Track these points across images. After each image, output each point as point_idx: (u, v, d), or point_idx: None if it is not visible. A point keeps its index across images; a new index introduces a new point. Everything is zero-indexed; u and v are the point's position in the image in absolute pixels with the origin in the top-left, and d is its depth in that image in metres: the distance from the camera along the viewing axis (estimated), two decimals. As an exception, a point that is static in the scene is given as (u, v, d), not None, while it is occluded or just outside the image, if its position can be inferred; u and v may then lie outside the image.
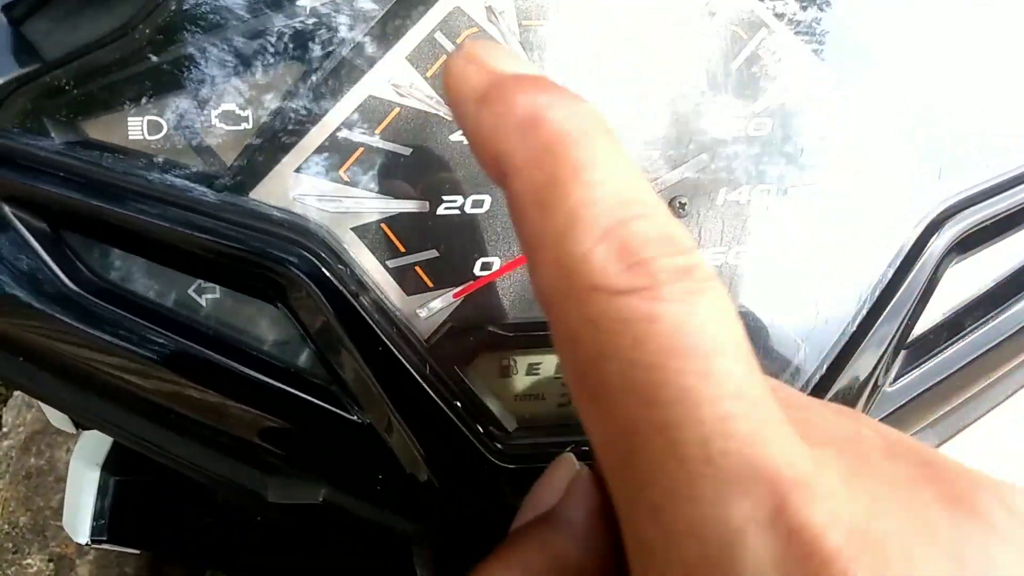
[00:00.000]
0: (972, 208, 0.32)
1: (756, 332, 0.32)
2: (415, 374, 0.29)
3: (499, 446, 0.31)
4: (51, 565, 1.19)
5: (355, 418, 0.30)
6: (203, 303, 0.30)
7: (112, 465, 0.56)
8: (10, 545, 1.14)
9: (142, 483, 0.57)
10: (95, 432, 0.54)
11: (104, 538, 0.57)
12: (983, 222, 0.32)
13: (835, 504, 0.16)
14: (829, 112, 0.32)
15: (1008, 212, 0.33)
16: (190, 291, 0.30)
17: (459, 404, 0.30)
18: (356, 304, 0.29)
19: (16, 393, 1.18)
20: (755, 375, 0.17)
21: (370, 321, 0.29)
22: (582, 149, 0.18)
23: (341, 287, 0.29)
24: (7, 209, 0.28)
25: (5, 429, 1.16)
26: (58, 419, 0.55)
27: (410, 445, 0.30)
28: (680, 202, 0.32)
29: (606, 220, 0.18)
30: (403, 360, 0.29)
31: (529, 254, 0.19)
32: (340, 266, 0.29)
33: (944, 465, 0.18)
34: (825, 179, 0.32)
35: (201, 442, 0.31)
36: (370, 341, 0.29)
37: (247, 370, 0.29)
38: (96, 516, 0.57)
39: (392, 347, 0.29)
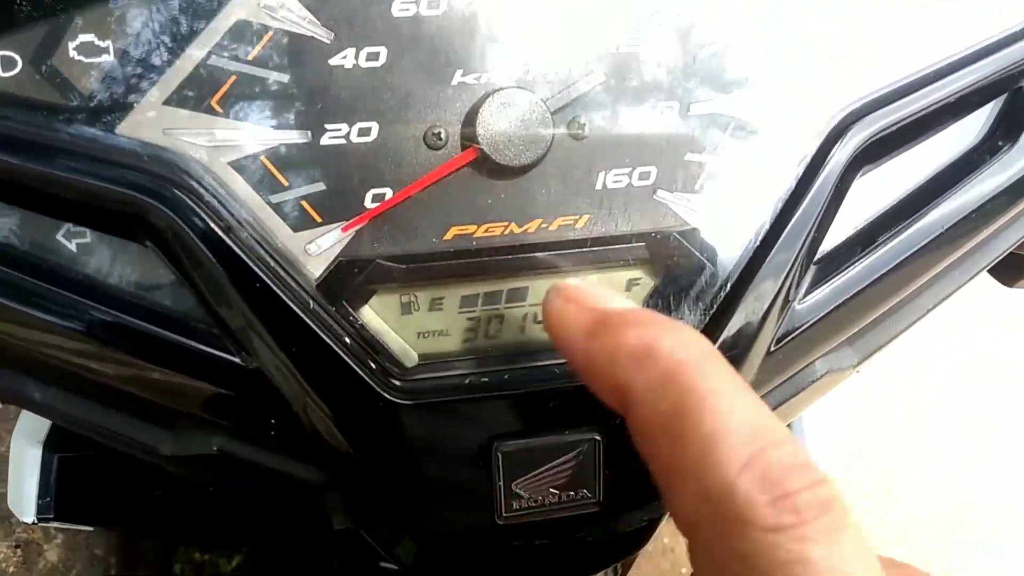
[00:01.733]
0: (875, 114, 0.31)
1: (658, 252, 0.31)
2: (299, 311, 0.28)
3: (395, 383, 0.30)
4: (18, 551, 1.18)
5: (241, 362, 0.29)
6: (73, 248, 0.29)
7: (54, 442, 0.55)
8: (-27, 533, 1.13)
9: (86, 458, 0.56)
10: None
11: (51, 516, 0.56)
12: (887, 128, 0.31)
13: None
14: (730, 25, 0.31)
15: (913, 117, 0.31)
16: (58, 236, 0.28)
17: (348, 341, 0.29)
18: (230, 241, 0.27)
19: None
20: None
21: (247, 258, 0.27)
22: (703, 378, 0.19)
23: (213, 224, 0.27)
24: None
25: (-39, 416, 1.14)
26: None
27: (300, 387, 0.29)
28: (579, 122, 0.30)
29: (744, 450, 0.18)
30: (285, 298, 0.28)
31: (664, 481, 0.20)
32: (214, 202, 0.27)
33: None
34: (728, 94, 0.31)
35: (87, 397, 0.30)
36: (248, 279, 0.27)
37: (123, 316, 0.28)
38: (41, 494, 0.56)
39: (273, 285, 0.28)
